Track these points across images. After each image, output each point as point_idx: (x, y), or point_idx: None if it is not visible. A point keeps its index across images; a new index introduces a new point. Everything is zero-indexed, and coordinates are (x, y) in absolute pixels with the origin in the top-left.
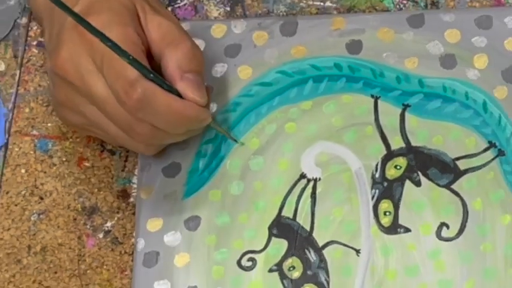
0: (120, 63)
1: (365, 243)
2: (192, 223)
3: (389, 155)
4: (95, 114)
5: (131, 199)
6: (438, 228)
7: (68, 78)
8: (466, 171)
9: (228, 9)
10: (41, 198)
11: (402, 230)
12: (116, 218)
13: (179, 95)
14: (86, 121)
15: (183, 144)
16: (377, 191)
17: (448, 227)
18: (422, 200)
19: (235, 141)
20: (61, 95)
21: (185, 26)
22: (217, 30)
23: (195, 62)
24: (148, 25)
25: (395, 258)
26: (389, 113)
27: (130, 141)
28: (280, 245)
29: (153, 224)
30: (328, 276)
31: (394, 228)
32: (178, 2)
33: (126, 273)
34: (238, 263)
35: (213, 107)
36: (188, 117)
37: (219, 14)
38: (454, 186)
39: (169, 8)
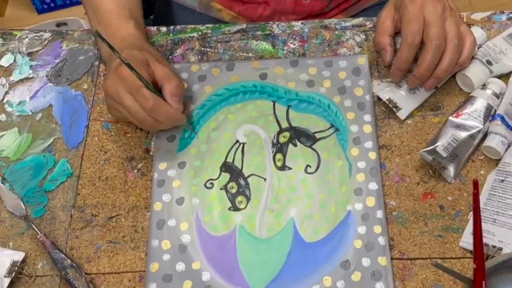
0: (142, 89)
1: (268, 175)
2: (182, 165)
3: (281, 131)
4: (124, 112)
5: (151, 153)
6: (305, 167)
7: (111, 95)
8: (319, 139)
9: (199, 57)
10: (105, 152)
11: (287, 168)
12: (143, 162)
13: None
14: (120, 115)
15: (177, 127)
16: (274, 149)
17: (310, 167)
18: (297, 153)
19: (195, 133)
20: (108, 102)
21: (177, 65)
22: (194, 68)
23: (179, 91)
24: (156, 69)
25: (283, 183)
26: (281, 109)
27: (141, 126)
28: (226, 176)
29: (162, 165)
30: (250, 192)
31: (283, 167)
32: (174, 54)
33: (148, 190)
34: (205, 185)
35: (193, 106)
36: (175, 118)
37: (195, 59)
38: (313, 147)
39: (170, 57)
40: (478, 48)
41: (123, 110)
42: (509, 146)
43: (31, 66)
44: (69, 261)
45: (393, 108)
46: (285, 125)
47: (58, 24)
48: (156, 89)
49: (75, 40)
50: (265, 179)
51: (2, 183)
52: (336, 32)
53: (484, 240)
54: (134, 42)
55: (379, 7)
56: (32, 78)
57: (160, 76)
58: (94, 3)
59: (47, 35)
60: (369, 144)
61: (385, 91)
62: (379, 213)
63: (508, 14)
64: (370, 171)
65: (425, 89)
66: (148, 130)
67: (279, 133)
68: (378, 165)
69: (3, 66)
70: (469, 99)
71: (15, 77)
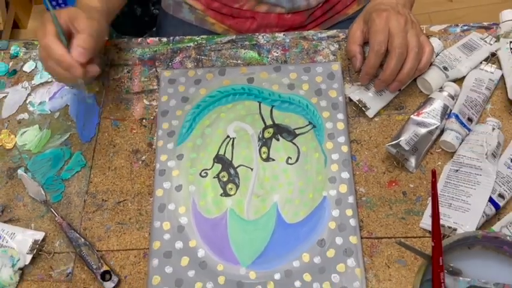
0: (46, 27)
1: (255, 165)
2: (180, 156)
3: (266, 127)
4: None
5: (153, 146)
6: (286, 159)
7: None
8: (299, 134)
9: (195, 64)
10: (114, 146)
11: (271, 160)
12: (147, 155)
13: None
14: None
15: (176, 125)
16: (260, 143)
17: (291, 158)
18: (280, 147)
19: (87, 96)
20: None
21: (176, 71)
22: (191, 73)
23: (85, 43)
24: (80, 23)
25: (268, 172)
26: (266, 109)
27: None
28: (218, 166)
29: (163, 157)
30: (239, 180)
31: (267, 159)
32: (173, 61)
33: (151, 178)
34: (200, 174)
35: (189, 106)
36: (66, 62)
37: (191, 66)
38: (294, 141)
39: (170, 64)
40: (436, 56)
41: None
42: (462, 141)
43: None
44: (82, 240)
45: (362, 108)
46: (269, 122)
47: None
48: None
49: None
50: (252, 169)
51: (25, 172)
52: (313, 42)
53: (441, 221)
54: (87, 8)
55: (350, 21)
56: (50, 82)
57: (80, 29)
58: None
59: None
60: (341, 139)
61: (356, 93)
62: (351, 199)
63: (461, 27)
64: (342, 162)
65: (390, 91)
66: (59, 78)
67: (264, 129)
68: (350, 157)
69: (26, 72)
70: (428, 100)
71: (36, 81)
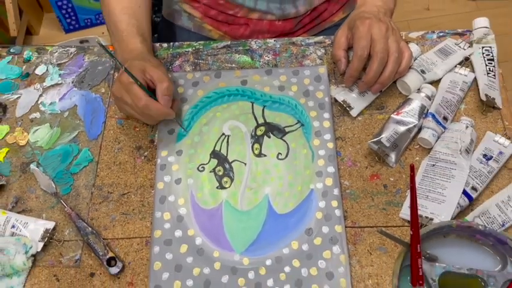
0: (135, 91)
1: (248, 160)
2: (179, 152)
3: (258, 125)
4: (128, 109)
5: (155, 143)
6: (277, 155)
7: (116, 97)
8: (288, 132)
9: (193, 67)
10: (118, 143)
11: (263, 155)
12: (149, 151)
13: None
14: (126, 112)
15: (175, 122)
16: (253, 140)
17: (281, 154)
18: (271, 144)
19: (183, 128)
20: (116, 103)
21: (175, 74)
22: (189, 76)
23: (169, 91)
24: (151, 72)
25: (260, 167)
26: (258, 109)
27: (141, 119)
28: (214, 161)
29: (163, 153)
30: (233, 174)
31: (259, 155)
32: (173, 65)
33: (152, 172)
34: (197, 168)
35: (188, 106)
36: (164, 112)
37: (190, 69)
38: (284, 138)
39: (170, 67)
40: (414, 60)
41: (127, 107)
42: (438, 138)
43: (60, 75)
44: (90, 229)
45: (347, 108)
46: (261, 121)
47: (81, 41)
48: (153, 89)
49: (95, 54)
50: (245, 164)
51: (37, 167)
52: (302, 47)
53: (419, 212)
54: (138, 54)
55: (336, 28)
56: (60, 84)
57: (155, 78)
58: (111, 25)
59: (72, 49)
60: (327, 136)
61: (341, 94)
62: (336, 191)
63: (438, 33)
64: (328, 157)
65: (372, 93)
66: (149, 123)
67: (256, 127)
68: (335, 152)
69: (38, 75)
70: (407, 100)
71: (47, 83)
